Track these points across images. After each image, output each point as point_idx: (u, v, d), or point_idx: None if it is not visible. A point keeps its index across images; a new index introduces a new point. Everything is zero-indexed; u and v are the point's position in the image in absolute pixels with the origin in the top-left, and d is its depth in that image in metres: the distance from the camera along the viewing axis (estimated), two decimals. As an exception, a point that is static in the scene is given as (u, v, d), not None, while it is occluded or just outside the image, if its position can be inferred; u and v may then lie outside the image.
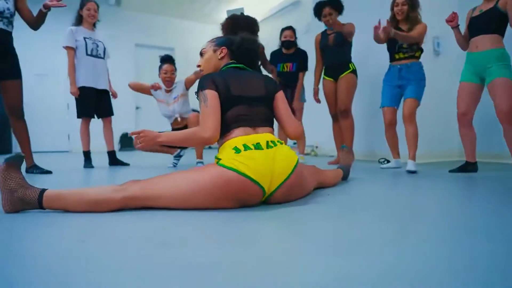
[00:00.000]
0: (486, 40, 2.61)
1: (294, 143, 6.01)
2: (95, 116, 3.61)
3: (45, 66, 6.85)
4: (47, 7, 2.64)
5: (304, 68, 3.85)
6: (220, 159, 1.39)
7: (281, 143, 1.51)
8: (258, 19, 7.54)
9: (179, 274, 0.71)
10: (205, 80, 1.54)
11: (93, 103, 3.52)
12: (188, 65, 8.11)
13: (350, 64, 3.54)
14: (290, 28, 3.85)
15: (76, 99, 3.48)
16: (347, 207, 1.41)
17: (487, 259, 0.78)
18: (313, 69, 3.86)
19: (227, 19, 3.24)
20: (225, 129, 1.51)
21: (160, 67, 3.41)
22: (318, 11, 3.52)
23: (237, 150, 1.38)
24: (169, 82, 3.39)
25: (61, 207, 1.33)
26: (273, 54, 3.92)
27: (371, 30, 3.06)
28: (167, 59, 3.41)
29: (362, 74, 3.86)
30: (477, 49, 2.65)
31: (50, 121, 6.85)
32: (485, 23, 2.62)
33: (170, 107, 3.42)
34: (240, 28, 3.20)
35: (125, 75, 7.67)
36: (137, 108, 7.74)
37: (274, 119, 1.68)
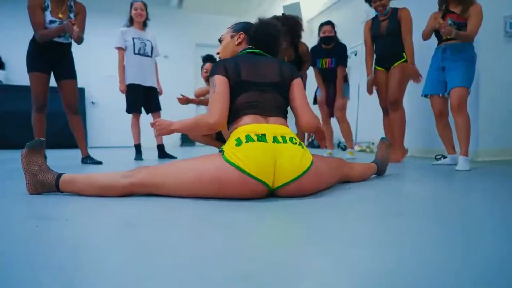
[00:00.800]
0: None
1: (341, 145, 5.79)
2: (145, 111, 3.82)
3: (113, 67, 7.42)
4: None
5: (343, 63, 3.69)
6: (224, 151, 1.35)
7: (294, 140, 1.39)
8: (315, 13, 7.46)
9: (127, 252, 0.70)
10: (216, 66, 1.50)
11: (140, 99, 3.71)
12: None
13: (404, 53, 3.25)
14: (329, 23, 3.73)
15: (126, 96, 3.70)
16: (359, 201, 1.29)
17: None
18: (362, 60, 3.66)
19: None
20: (235, 115, 1.47)
21: (202, 67, 3.48)
22: None
23: (238, 142, 1.32)
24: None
25: (75, 191, 1.40)
26: (313, 50, 3.80)
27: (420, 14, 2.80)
28: (208, 59, 3.46)
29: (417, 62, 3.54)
30: None
31: (117, 119, 7.42)
32: None
33: None
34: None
35: (185, 74, 8.05)
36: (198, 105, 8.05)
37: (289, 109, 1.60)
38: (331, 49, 3.70)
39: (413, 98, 4.03)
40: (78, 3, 3.01)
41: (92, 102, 7.45)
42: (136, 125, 3.74)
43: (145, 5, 3.73)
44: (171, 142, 7.90)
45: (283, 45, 1.75)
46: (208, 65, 3.43)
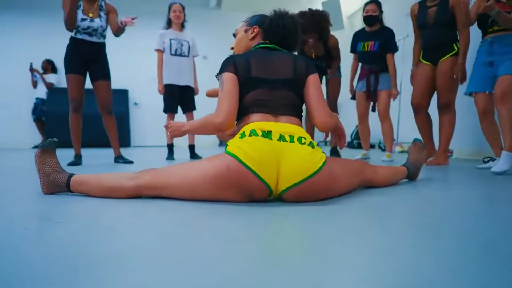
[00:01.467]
0: None
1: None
2: (182, 111, 3.87)
3: (155, 69, 7.66)
4: (123, 24, 2.89)
5: (392, 49, 3.39)
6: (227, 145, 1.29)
7: (303, 140, 1.28)
8: (355, 7, 7.17)
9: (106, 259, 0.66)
10: (226, 63, 1.43)
11: (176, 99, 3.76)
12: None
13: (454, 44, 2.91)
14: (373, 1, 3.44)
15: (163, 96, 3.78)
16: (372, 212, 1.16)
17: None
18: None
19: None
20: (243, 114, 1.40)
21: None
22: None
23: (242, 135, 1.27)
24: None
25: (84, 191, 1.41)
26: (355, 34, 3.59)
27: None
28: None
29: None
30: None
31: (159, 119, 7.64)
32: None
33: None
34: (304, 28, 3.03)
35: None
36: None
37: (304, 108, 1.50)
38: (375, 32, 3.43)
39: (460, 93, 3.71)
40: (108, 4, 3.12)
41: (135, 103, 7.73)
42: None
43: (183, 7, 3.80)
44: (209, 141, 8.00)
45: (304, 39, 1.67)
46: None
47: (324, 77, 3.60)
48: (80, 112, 3.02)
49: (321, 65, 3.42)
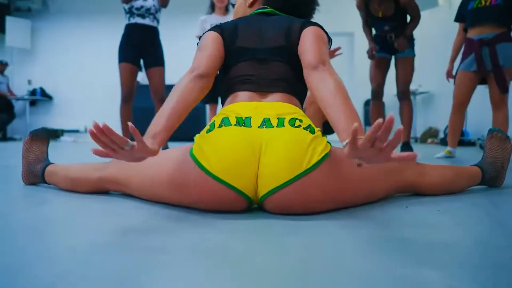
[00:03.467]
0: None
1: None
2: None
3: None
4: None
5: None
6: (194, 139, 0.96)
7: (298, 122, 0.92)
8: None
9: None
10: (210, 28, 1.15)
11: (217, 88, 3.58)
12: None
13: None
14: None
15: None
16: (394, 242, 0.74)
17: None
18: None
19: None
20: (227, 93, 1.10)
21: None
22: None
23: (210, 127, 0.95)
24: None
25: (54, 183, 1.25)
26: None
27: None
28: None
29: None
30: None
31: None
32: None
33: None
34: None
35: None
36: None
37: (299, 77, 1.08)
38: None
39: None
40: None
41: (211, 97, 7.85)
42: (212, 116, 3.67)
43: None
44: None
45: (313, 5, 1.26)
46: None
47: (393, 57, 3.00)
48: (130, 103, 3.01)
49: (389, 32, 2.90)
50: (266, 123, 0.92)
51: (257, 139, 0.89)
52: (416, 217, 0.88)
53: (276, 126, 0.91)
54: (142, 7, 2.94)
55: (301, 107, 1.12)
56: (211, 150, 0.88)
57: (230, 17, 3.64)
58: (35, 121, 7.88)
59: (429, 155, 3.17)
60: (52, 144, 5.89)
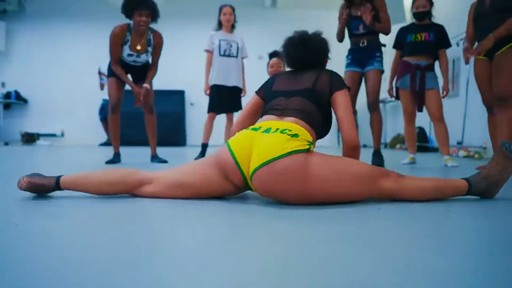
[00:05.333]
0: None
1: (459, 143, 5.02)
2: (226, 111, 3.90)
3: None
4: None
5: (446, 43, 3.20)
6: None
7: (287, 132, 1.26)
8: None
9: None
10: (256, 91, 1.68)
11: (222, 100, 3.79)
12: (340, 55, 7.78)
13: None
14: None
15: (210, 96, 3.85)
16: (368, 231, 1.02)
17: None
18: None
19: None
20: (261, 116, 1.53)
21: (268, 63, 3.37)
22: None
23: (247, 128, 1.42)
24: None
25: (82, 187, 1.45)
26: (403, 28, 3.39)
27: None
28: (274, 54, 3.29)
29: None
30: None
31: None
32: None
33: None
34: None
35: (279, 73, 8.06)
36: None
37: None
38: (427, 26, 3.27)
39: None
40: (156, 35, 3.19)
41: (191, 104, 8.00)
42: (209, 125, 3.84)
43: (233, 9, 3.83)
44: (326, 143, 7.92)
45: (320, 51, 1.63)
46: (273, 61, 3.28)
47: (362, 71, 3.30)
48: (118, 112, 3.16)
49: (362, 36, 3.22)
50: (267, 130, 1.30)
51: (256, 137, 1.29)
52: (385, 211, 1.17)
53: (272, 133, 1.27)
54: (134, 62, 3.12)
55: (312, 130, 1.41)
56: (233, 140, 1.35)
57: (235, 35, 3.90)
58: (9, 124, 7.72)
59: (397, 160, 3.60)
60: (27, 148, 5.87)
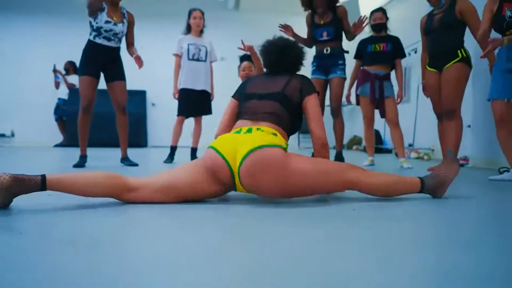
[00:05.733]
0: None
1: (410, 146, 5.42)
2: (195, 114, 3.95)
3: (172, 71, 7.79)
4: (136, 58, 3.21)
5: (401, 53, 3.52)
6: None
7: (262, 130, 1.47)
8: (375, 6, 7.07)
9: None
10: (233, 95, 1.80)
11: (190, 103, 3.83)
12: (307, 61, 8.08)
13: (459, 51, 2.90)
14: (380, 9, 3.65)
15: (178, 100, 3.88)
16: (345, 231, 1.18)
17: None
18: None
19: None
20: (237, 119, 1.67)
21: (239, 67, 3.47)
22: None
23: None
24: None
25: (68, 188, 1.37)
26: (363, 40, 3.68)
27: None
28: (245, 58, 3.41)
29: (476, 58, 3.14)
30: None
31: (174, 120, 7.75)
32: None
33: None
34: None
35: (242, 75, 8.18)
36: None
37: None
38: (384, 37, 3.59)
39: (478, 100, 3.66)
40: (129, 13, 3.25)
41: (152, 104, 7.88)
42: (178, 128, 3.87)
43: (203, 13, 3.88)
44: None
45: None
46: (244, 64, 3.39)
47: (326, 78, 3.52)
48: (90, 113, 3.09)
49: (326, 43, 3.44)
50: (249, 130, 1.47)
51: (239, 137, 1.45)
52: (360, 212, 1.34)
53: (254, 131, 1.45)
54: (111, 30, 3.05)
55: (284, 132, 1.59)
56: (216, 141, 1.48)
57: (204, 39, 3.94)
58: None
59: (357, 161, 3.83)
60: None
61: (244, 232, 1.08)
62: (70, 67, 7.31)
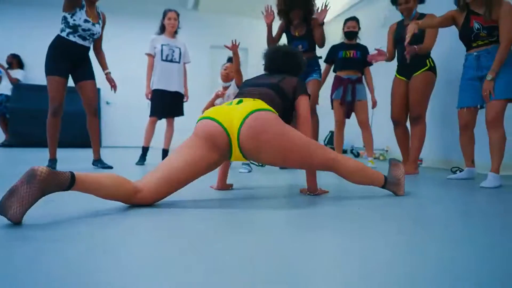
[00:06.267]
0: None
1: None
2: (167, 115, 3.91)
3: (128, 68, 7.52)
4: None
5: (369, 63, 3.78)
6: None
7: (255, 101, 1.61)
8: (332, 15, 7.48)
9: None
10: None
11: (164, 104, 3.81)
12: (260, 65, 8.26)
13: (427, 60, 3.14)
14: (354, 18, 3.91)
15: (151, 100, 3.82)
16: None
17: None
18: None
19: None
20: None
21: (223, 65, 3.51)
22: None
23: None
24: (226, 77, 3.44)
25: (92, 189, 1.36)
26: (335, 46, 3.93)
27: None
28: (230, 59, 3.47)
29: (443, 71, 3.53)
30: None
31: (130, 119, 7.51)
32: None
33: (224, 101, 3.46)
34: (290, 4, 3.38)
35: (200, 76, 8.13)
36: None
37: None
38: (354, 45, 3.86)
39: (431, 105, 4.06)
40: (103, 14, 3.21)
41: (107, 102, 7.56)
42: (151, 129, 3.81)
43: (178, 15, 3.87)
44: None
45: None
46: (228, 64, 3.44)
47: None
48: (59, 116, 2.95)
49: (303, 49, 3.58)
50: (240, 101, 1.62)
51: (232, 107, 1.57)
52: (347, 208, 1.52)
53: (244, 102, 1.60)
54: (89, 30, 2.95)
55: (275, 112, 1.66)
56: (208, 112, 1.58)
57: (178, 40, 3.92)
58: None
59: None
60: None
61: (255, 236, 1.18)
62: (14, 61, 6.78)
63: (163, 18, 3.86)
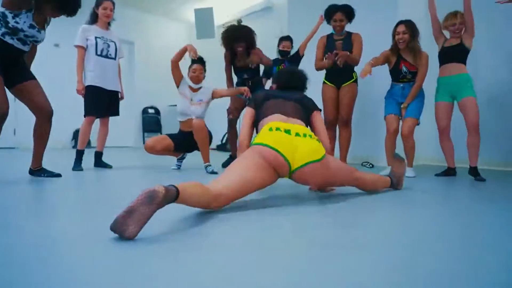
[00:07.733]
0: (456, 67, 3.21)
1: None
2: (102, 115, 3.55)
3: (43, 63, 6.13)
4: None
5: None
6: (253, 142, 1.79)
7: (312, 136, 1.80)
8: (227, 20, 7.73)
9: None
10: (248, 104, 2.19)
11: (101, 102, 3.43)
12: (148, 61, 7.82)
13: (353, 73, 3.63)
14: (288, 38, 4.29)
15: (84, 98, 3.38)
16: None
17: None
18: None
19: (222, 32, 3.69)
20: (262, 116, 2.00)
21: (190, 66, 3.41)
22: (329, 14, 3.62)
23: (270, 129, 1.77)
24: (196, 79, 3.38)
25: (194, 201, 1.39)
26: (273, 61, 4.23)
27: (375, 40, 3.49)
28: (198, 60, 3.40)
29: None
30: (450, 73, 3.25)
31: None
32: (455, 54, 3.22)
33: (192, 107, 3.36)
34: (236, 39, 3.65)
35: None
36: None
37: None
38: (286, 59, 4.31)
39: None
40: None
41: (15, 100, 5.96)
42: (88, 130, 3.39)
43: (114, 5, 3.45)
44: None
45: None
46: (196, 66, 3.37)
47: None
48: (2, 122, 2.38)
49: (247, 79, 3.90)
50: (297, 134, 1.76)
51: (295, 140, 1.73)
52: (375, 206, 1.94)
53: (303, 136, 1.76)
54: (33, 36, 2.45)
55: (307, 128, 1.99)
56: (272, 138, 1.71)
57: (112, 32, 3.51)
58: None
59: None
60: None
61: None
62: None
63: (97, 6, 3.42)
